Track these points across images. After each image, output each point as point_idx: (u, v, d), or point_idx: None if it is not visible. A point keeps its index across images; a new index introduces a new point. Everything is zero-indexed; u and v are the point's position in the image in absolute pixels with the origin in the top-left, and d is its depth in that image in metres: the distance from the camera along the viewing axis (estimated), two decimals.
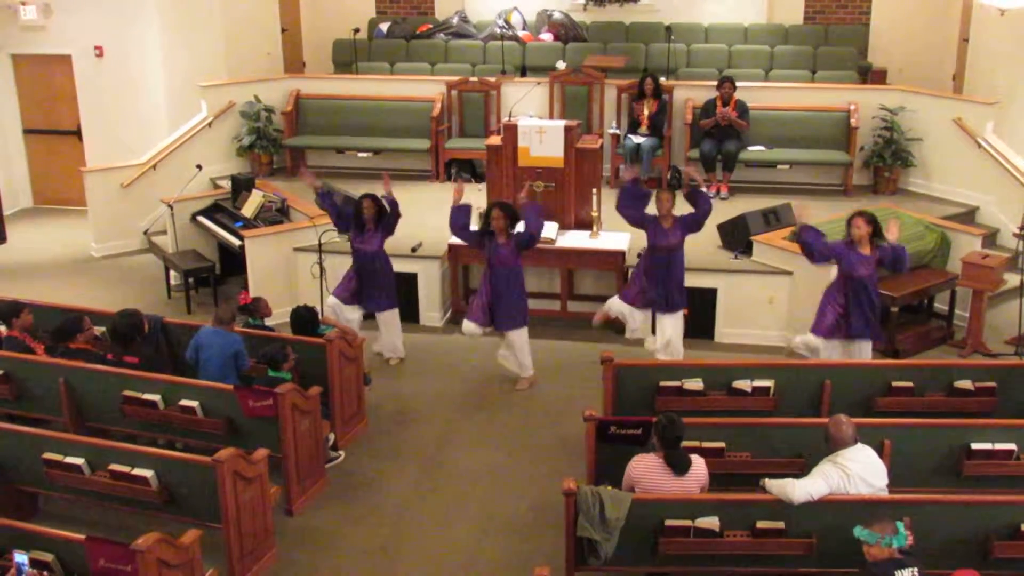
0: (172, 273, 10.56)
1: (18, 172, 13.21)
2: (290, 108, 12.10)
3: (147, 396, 6.93)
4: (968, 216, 10.68)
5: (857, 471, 5.59)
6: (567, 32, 13.86)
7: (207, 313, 9.12)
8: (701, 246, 9.58)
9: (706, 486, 5.87)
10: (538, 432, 7.88)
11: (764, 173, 11.57)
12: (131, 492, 6.19)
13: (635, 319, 8.58)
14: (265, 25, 13.79)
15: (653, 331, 8.63)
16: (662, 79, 11.91)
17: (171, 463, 6.18)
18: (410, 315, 9.50)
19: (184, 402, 6.85)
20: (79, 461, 6.26)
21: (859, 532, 4.95)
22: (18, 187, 13.18)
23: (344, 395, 7.65)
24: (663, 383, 7.02)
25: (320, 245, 8.97)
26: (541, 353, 8.72)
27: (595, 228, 9.38)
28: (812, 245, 7.72)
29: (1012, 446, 6.23)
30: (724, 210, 10.37)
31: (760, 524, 5.61)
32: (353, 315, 8.65)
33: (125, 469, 6.15)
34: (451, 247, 9.38)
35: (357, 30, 13.39)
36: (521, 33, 13.89)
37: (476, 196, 10.25)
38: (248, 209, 10.28)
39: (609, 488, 5.74)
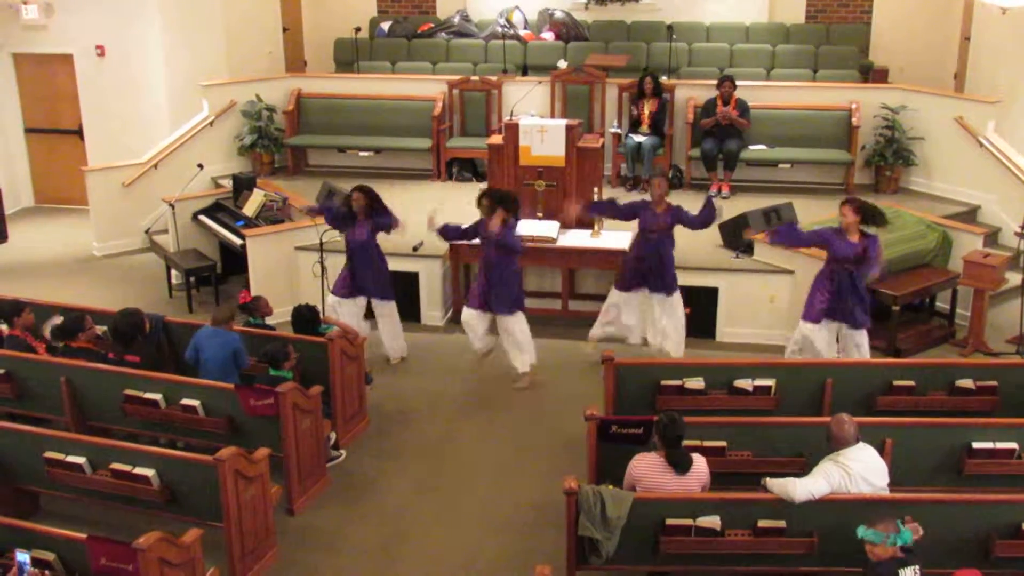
0: (173, 272, 10.57)
1: (20, 171, 13.21)
2: (291, 107, 12.10)
3: (148, 395, 6.93)
4: (969, 215, 10.68)
5: (859, 470, 5.59)
6: (568, 31, 13.86)
7: (208, 312, 9.11)
8: (702, 245, 9.59)
9: (707, 485, 5.87)
10: (539, 431, 7.88)
11: (765, 172, 11.57)
12: (132, 491, 6.20)
13: (630, 317, 8.62)
14: (266, 24, 13.79)
15: (646, 343, 8.72)
16: (663, 78, 11.91)
17: (172, 462, 6.18)
18: (411, 314, 9.50)
19: (185, 401, 6.86)
20: (80, 460, 6.27)
21: (863, 532, 4.94)
22: (20, 186, 13.19)
23: (345, 394, 7.66)
24: (664, 382, 7.02)
25: (321, 244, 8.97)
26: (542, 352, 8.72)
27: (596, 227, 9.38)
28: (789, 237, 7.95)
29: (1013, 445, 6.23)
30: (725, 209, 10.33)
31: (761, 523, 5.61)
32: (355, 309, 8.65)
33: (126, 468, 6.15)
34: (452, 246, 9.38)
35: (358, 29, 13.39)
36: (522, 32, 13.89)
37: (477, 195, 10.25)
38: (249, 208, 10.28)
39: (610, 487, 5.74)
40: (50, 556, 5.37)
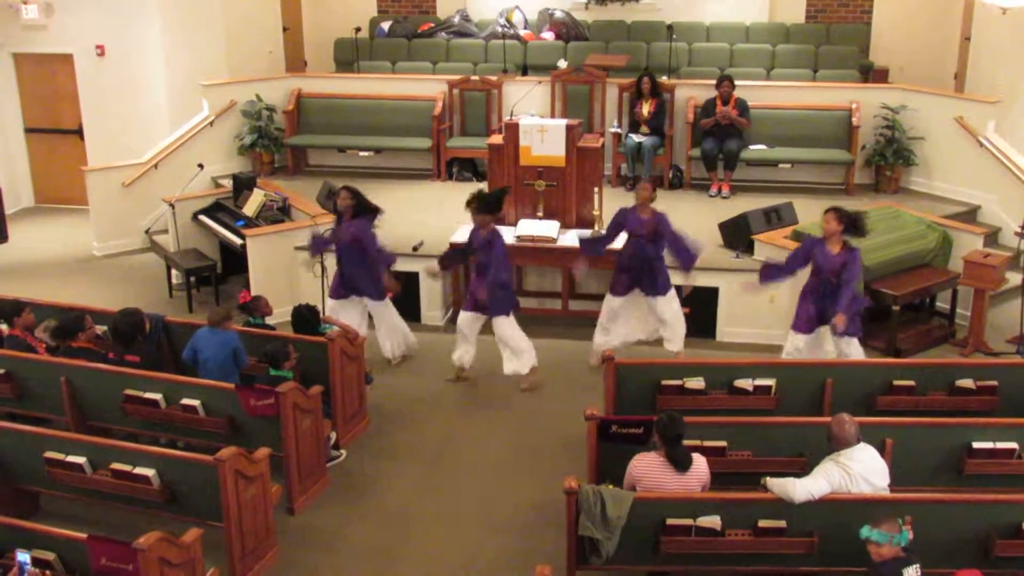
0: (173, 272, 10.56)
1: (20, 171, 13.21)
2: (291, 107, 12.10)
3: (148, 395, 6.93)
4: (970, 215, 10.68)
5: (859, 471, 5.59)
6: (568, 31, 13.87)
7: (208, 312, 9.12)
8: (702, 245, 9.58)
9: (707, 485, 5.87)
10: (539, 431, 7.88)
11: (765, 172, 11.57)
12: (132, 491, 6.20)
13: (628, 322, 8.64)
14: (266, 24, 13.79)
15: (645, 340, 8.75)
16: (663, 78, 11.92)
17: (173, 462, 6.18)
18: (411, 314, 9.50)
19: (185, 401, 6.86)
20: (80, 460, 6.27)
21: (867, 532, 4.94)
22: (20, 186, 13.18)
23: (346, 394, 7.66)
24: (664, 382, 7.02)
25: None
26: (542, 352, 8.72)
27: (596, 227, 9.37)
28: (780, 274, 7.86)
29: (1013, 445, 6.23)
30: (725, 209, 10.37)
31: (761, 523, 5.61)
32: (354, 311, 8.64)
33: (127, 468, 6.15)
34: (452, 246, 9.36)
35: (359, 29, 13.39)
36: (522, 32, 13.89)
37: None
38: (249, 208, 10.28)
39: (611, 487, 5.74)
40: (50, 556, 5.38)
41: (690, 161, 11.47)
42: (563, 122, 9.56)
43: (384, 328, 8.85)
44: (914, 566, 4.90)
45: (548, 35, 13.90)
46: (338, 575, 6.34)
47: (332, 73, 13.81)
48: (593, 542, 5.68)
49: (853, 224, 7.53)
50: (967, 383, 6.97)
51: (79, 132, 12.89)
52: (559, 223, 9.39)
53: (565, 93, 11.89)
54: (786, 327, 8.35)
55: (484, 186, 10.41)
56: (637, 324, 8.73)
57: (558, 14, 13.98)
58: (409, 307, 9.49)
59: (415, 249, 9.57)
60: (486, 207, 8.23)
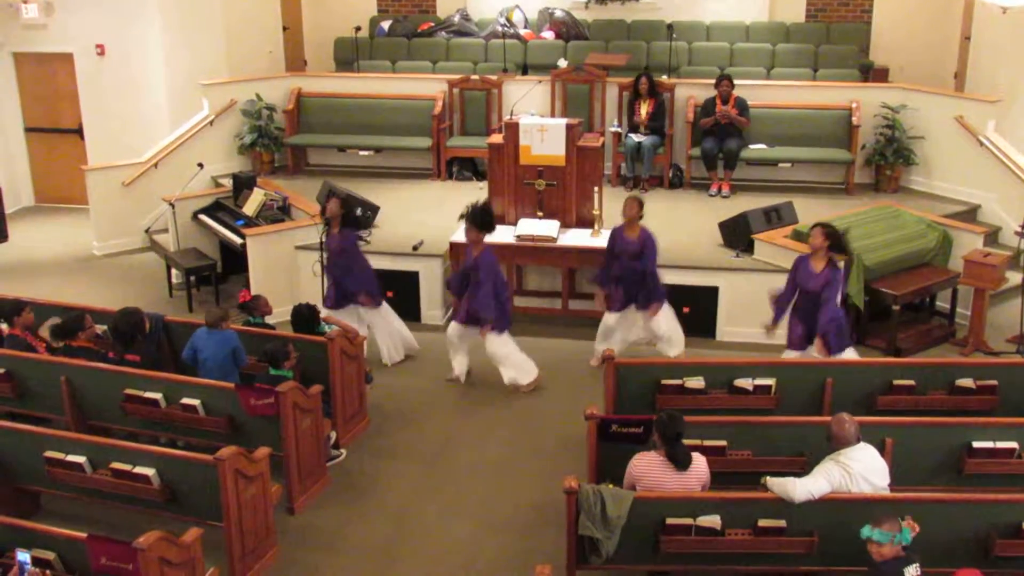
0: (173, 271, 10.56)
1: (20, 170, 13.21)
2: (291, 106, 12.10)
3: (148, 394, 6.93)
4: (970, 214, 10.68)
5: (859, 470, 5.59)
6: (569, 30, 13.87)
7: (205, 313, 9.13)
8: (702, 245, 9.60)
9: (707, 484, 5.87)
10: (539, 430, 7.88)
11: (766, 171, 11.57)
12: (132, 490, 6.20)
13: (627, 333, 8.65)
14: (266, 23, 13.79)
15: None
16: (663, 77, 11.92)
17: (172, 461, 6.18)
18: (411, 313, 9.50)
19: (185, 400, 6.86)
20: (81, 459, 6.27)
21: (868, 532, 4.94)
22: (20, 185, 13.18)
23: (346, 393, 7.66)
24: (664, 381, 7.02)
25: (321, 243, 8.96)
26: (542, 352, 8.72)
27: (596, 226, 9.37)
28: (785, 299, 7.79)
29: (1013, 444, 6.23)
30: (725, 208, 10.37)
31: (761, 522, 5.61)
32: (349, 318, 8.58)
33: (127, 467, 6.15)
34: (452, 245, 9.38)
35: (359, 28, 13.39)
36: (523, 31, 13.89)
37: (478, 194, 10.25)
38: (250, 207, 10.28)
39: (611, 486, 5.74)
40: (50, 555, 5.38)
41: (690, 160, 11.47)
42: (563, 121, 9.56)
43: (382, 334, 8.83)
44: (914, 565, 4.91)
45: (548, 34, 13.90)
46: (338, 575, 6.34)
47: (332, 72, 13.81)
48: (593, 542, 5.68)
49: (837, 242, 7.52)
50: (967, 383, 6.97)
51: (79, 131, 12.89)
52: (559, 222, 9.39)
53: (565, 92, 11.89)
54: (786, 327, 8.34)
55: (484, 186, 10.42)
56: (635, 332, 8.73)
57: (558, 13, 13.98)
58: (409, 307, 9.49)
59: (415, 249, 9.57)
60: (477, 224, 8.14)
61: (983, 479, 6.24)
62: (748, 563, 5.77)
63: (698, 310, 9.11)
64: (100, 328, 7.80)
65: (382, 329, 8.81)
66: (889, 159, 11.11)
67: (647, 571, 6.07)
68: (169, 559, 5.33)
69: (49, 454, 6.34)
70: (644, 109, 11.31)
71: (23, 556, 5.36)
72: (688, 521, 5.61)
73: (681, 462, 5.74)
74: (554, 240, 9.25)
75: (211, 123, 11.91)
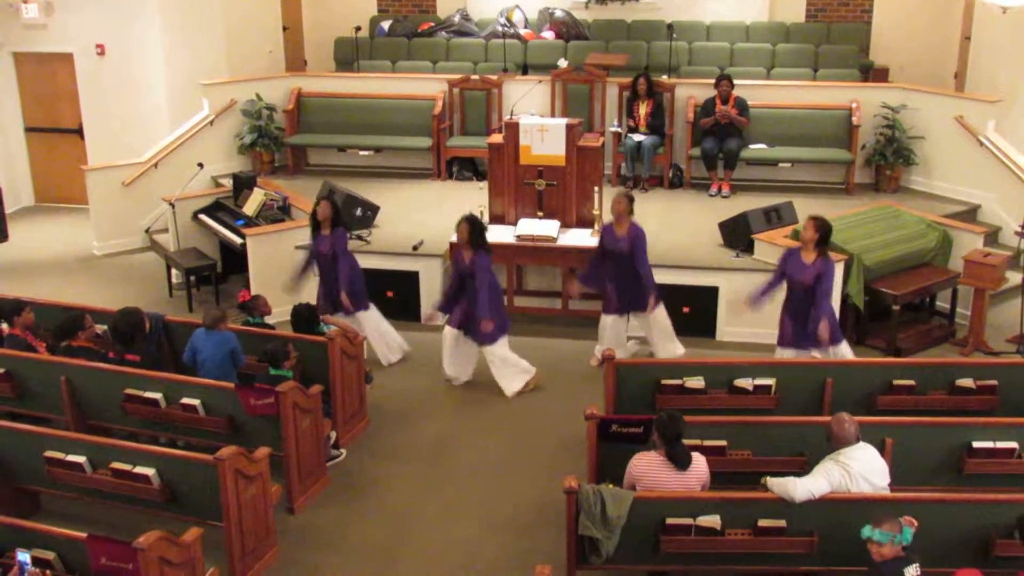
0: (173, 271, 10.56)
1: (20, 170, 13.21)
2: (292, 106, 12.10)
3: (148, 394, 6.93)
4: (970, 214, 10.68)
5: (859, 470, 5.59)
6: (569, 30, 13.87)
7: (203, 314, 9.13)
8: (702, 244, 9.60)
9: (707, 484, 5.87)
10: (539, 430, 7.88)
11: (766, 171, 11.57)
12: (133, 490, 6.20)
13: (625, 333, 8.63)
14: (267, 23, 13.79)
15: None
16: (663, 77, 11.92)
17: (172, 461, 6.18)
18: (411, 313, 9.50)
19: (185, 400, 6.86)
20: (81, 459, 6.27)
21: (869, 532, 4.94)
22: (20, 185, 13.18)
23: (345, 393, 7.66)
24: (664, 381, 7.02)
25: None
26: (542, 352, 8.72)
27: (596, 226, 9.37)
28: (767, 289, 7.78)
29: (1013, 444, 6.23)
30: (725, 208, 10.37)
31: (761, 522, 5.61)
32: (348, 318, 8.60)
33: (127, 467, 6.15)
34: (452, 245, 9.37)
35: (359, 28, 13.39)
36: (523, 31, 13.89)
37: (478, 194, 10.27)
38: (250, 207, 10.28)
39: (611, 486, 5.74)
40: (50, 555, 5.38)
41: (690, 160, 11.47)
42: (563, 121, 9.56)
43: (372, 335, 8.81)
44: (914, 565, 4.91)
45: (548, 34, 13.90)
46: (338, 575, 6.34)
47: (332, 72, 13.81)
48: (593, 542, 5.68)
49: (826, 235, 7.53)
50: (967, 383, 6.97)
51: (79, 131, 12.89)
52: (559, 222, 9.39)
53: (565, 92, 11.88)
54: (777, 325, 8.35)
55: (484, 185, 10.41)
56: (632, 329, 8.76)
57: (558, 13, 13.99)
58: (409, 306, 9.49)
59: (415, 248, 9.57)
60: (471, 237, 8.08)
61: (983, 479, 6.24)
62: (748, 563, 5.77)
63: (698, 310, 9.11)
64: (100, 328, 7.80)
65: (369, 332, 8.77)
66: (889, 159, 11.11)
67: (647, 571, 6.07)
68: (169, 559, 5.33)
69: (49, 454, 6.34)
70: (643, 110, 11.31)
71: (23, 556, 5.36)
72: (688, 521, 5.61)
73: (681, 462, 5.74)
74: (554, 240, 9.25)
75: (211, 123, 11.91)
